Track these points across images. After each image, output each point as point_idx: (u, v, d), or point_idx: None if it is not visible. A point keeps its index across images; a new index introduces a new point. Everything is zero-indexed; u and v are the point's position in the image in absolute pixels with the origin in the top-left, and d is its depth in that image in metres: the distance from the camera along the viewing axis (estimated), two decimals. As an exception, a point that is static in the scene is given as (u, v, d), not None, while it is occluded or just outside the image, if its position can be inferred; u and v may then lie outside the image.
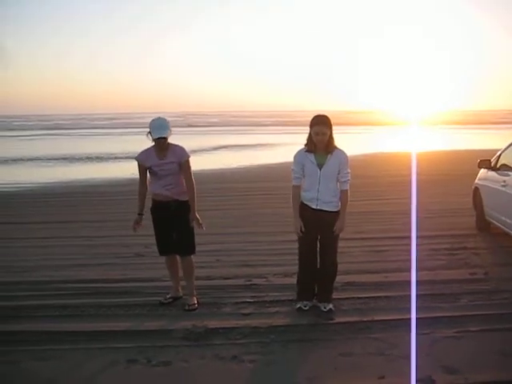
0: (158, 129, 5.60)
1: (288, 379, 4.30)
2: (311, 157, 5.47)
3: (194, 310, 5.77)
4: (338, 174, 5.46)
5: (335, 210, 5.53)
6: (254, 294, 6.19)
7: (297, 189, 5.59)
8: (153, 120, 5.73)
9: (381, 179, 16.29)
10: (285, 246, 8.09)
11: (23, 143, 41.14)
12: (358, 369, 4.43)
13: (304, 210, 5.58)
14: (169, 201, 5.73)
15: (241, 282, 6.65)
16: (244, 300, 6.01)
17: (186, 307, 5.81)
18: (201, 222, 5.85)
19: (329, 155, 5.44)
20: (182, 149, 5.77)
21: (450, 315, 5.40)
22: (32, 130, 60.73)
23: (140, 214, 5.88)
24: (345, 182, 5.50)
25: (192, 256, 5.95)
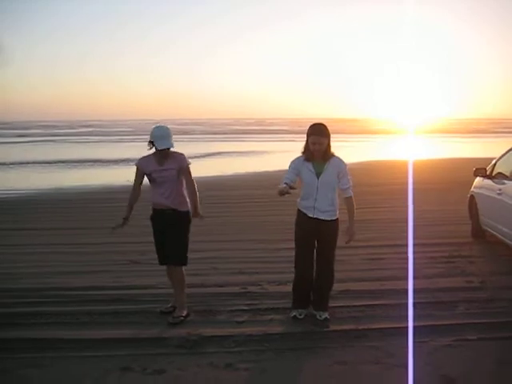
0: (162, 139, 5.51)
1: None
2: (309, 165, 5.42)
3: (178, 323, 5.57)
4: (339, 182, 5.42)
5: (332, 218, 5.49)
6: (249, 302, 6.15)
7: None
8: (155, 128, 5.62)
9: (376, 187, 16.28)
10: (281, 254, 8.08)
11: (16, 148, 40.89)
12: (354, 377, 4.39)
13: (301, 218, 5.55)
14: (165, 209, 5.64)
15: (236, 289, 6.61)
16: (239, 308, 5.97)
17: (171, 319, 5.62)
18: (201, 214, 5.69)
19: (326, 164, 5.40)
20: (182, 156, 5.69)
21: (448, 323, 5.38)
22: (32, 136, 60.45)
23: (125, 219, 5.74)
24: (347, 188, 5.45)
25: (183, 268, 5.77)
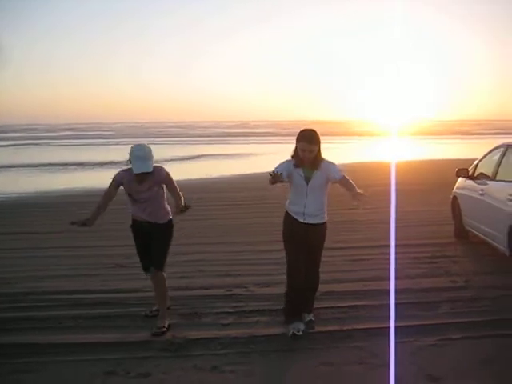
0: (141, 161, 5.20)
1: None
2: (299, 170, 5.27)
3: (160, 334, 5.31)
4: (331, 179, 5.27)
5: (321, 222, 5.41)
6: (234, 304, 6.15)
7: None
8: (135, 148, 5.29)
9: (359, 189, 16.32)
10: (266, 256, 8.10)
11: (1, 152, 40.56)
12: (339, 378, 4.42)
13: (290, 222, 5.39)
14: (145, 222, 5.54)
15: (221, 292, 6.60)
16: (224, 310, 5.97)
17: (153, 330, 5.38)
18: (186, 204, 5.41)
19: (315, 170, 5.25)
20: (159, 168, 5.43)
21: (432, 323, 5.43)
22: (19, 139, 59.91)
23: (87, 219, 5.43)
24: (339, 174, 5.23)
25: (164, 275, 5.57)
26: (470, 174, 8.95)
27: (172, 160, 27.64)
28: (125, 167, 5.49)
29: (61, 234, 10.58)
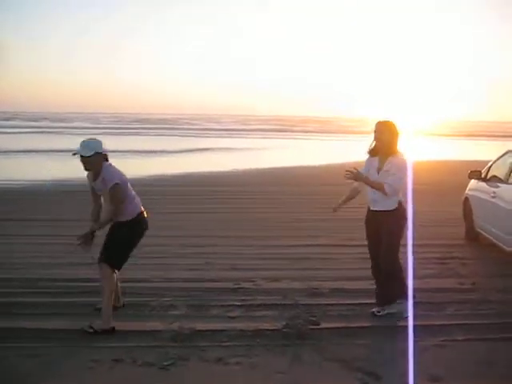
0: (81, 147, 5.28)
1: (273, 383, 4.29)
2: (375, 161, 5.67)
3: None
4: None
5: (391, 208, 5.66)
6: (241, 298, 6.20)
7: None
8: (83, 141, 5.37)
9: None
10: (274, 251, 8.13)
11: (10, 138, 40.64)
12: (343, 374, 4.44)
13: (367, 211, 5.86)
14: None
15: (229, 285, 6.65)
16: (231, 303, 6.02)
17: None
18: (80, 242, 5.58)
19: (387, 160, 5.58)
20: (109, 176, 5.33)
21: (437, 324, 5.44)
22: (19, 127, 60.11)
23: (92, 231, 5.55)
24: (387, 183, 5.50)
25: (108, 269, 5.42)
26: (482, 176, 8.93)
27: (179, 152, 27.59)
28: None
29: (68, 222, 10.65)
